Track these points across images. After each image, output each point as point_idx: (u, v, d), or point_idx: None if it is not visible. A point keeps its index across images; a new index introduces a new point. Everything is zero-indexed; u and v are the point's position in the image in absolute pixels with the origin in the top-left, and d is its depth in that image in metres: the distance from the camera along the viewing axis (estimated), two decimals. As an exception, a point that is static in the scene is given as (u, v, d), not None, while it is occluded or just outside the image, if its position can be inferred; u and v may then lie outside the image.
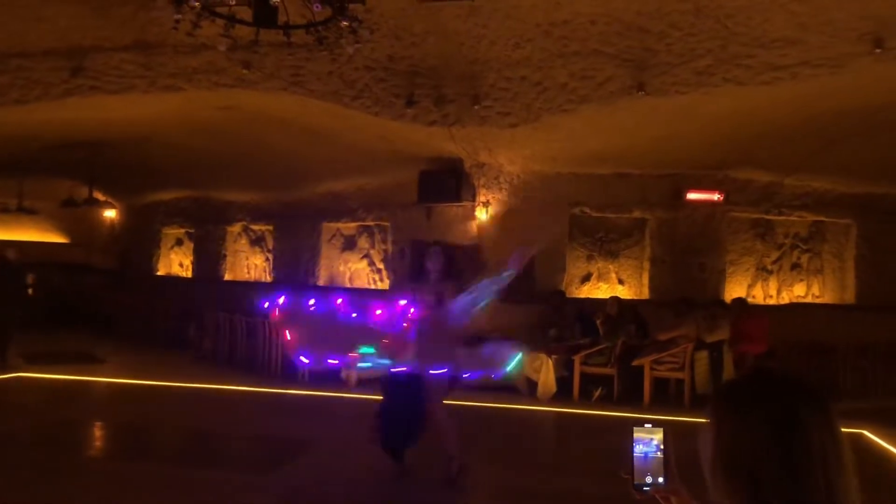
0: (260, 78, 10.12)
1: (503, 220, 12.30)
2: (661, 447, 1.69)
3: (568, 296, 11.98)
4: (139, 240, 18.76)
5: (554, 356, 10.08)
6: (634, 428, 1.71)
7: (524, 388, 10.24)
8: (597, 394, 9.97)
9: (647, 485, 1.70)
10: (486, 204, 12.35)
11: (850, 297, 12.87)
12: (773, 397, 1.35)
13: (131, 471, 6.35)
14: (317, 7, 6.20)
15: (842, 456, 1.31)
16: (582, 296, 12.48)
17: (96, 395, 10.32)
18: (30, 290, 12.78)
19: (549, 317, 11.33)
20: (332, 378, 10.07)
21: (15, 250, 12.35)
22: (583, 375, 10.04)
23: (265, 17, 6.41)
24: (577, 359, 10.07)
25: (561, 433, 9.17)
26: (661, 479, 1.69)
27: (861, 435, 7.91)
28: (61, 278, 17.82)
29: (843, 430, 1.35)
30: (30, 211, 18.28)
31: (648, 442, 1.70)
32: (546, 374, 9.98)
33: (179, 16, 6.37)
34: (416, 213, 12.90)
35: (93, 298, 17.17)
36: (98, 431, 8.29)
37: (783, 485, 1.29)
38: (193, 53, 9.95)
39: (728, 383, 1.53)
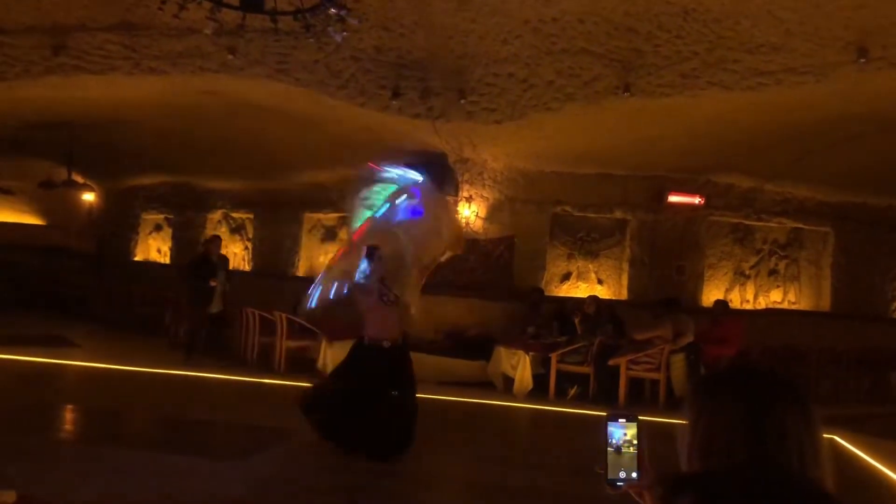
0: (245, 64, 10.02)
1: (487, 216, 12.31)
2: (636, 442, 1.68)
3: (547, 294, 11.99)
4: (117, 224, 18.53)
5: (531, 353, 10.08)
6: (609, 422, 1.69)
7: (500, 384, 10.28)
8: (572, 392, 10.00)
9: (621, 479, 1.68)
10: (469, 199, 12.33)
11: (825, 304, 12.98)
12: (749, 386, 1.39)
13: (101, 455, 6.27)
14: (305, -7, 6.16)
15: (816, 441, 1.33)
16: (561, 294, 12.49)
17: (68, 378, 10.20)
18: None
19: (527, 314, 11.34)
20: (308, 368, 10.00)
21: (217, 244, 11.82)
22: (559, 373, 10.06)
23: (252, 1, 6.35)
24: (553, 356, 10.08)
25: (536, 430, 9.19)
26: (634, 475, 1.68)
27: (832, 440, 7.99)
28: (38, 261, 17.56)
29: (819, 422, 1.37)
30: (6, 191, 17.96)
31: (622, 436, 1.69)
32: (523, 371, 9.99)
33: (165, -3, 6.28)
34: (398, 206, 12.83)
35: (68, 282, 16.95)
36: (68, 415, 8.18)
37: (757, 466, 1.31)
38: (179, 37, 9.83)
39: (707, 374, 1.58)
